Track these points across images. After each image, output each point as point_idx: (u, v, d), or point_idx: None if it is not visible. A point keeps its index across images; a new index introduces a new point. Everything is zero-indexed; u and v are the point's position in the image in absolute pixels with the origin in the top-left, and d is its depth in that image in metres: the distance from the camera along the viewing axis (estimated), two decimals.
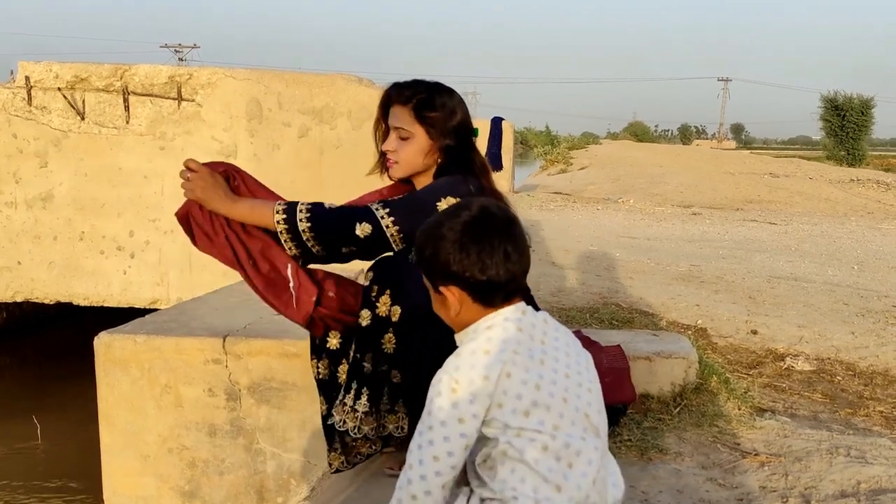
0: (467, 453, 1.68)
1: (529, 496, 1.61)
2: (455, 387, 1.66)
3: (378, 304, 2.47)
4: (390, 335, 2.45)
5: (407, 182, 2.70)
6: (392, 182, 2.75)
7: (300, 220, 2.44)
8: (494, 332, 1.72)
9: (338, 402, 2.59)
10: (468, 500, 1.71)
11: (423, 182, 2.64)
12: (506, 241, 1.73)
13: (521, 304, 1.78)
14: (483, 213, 1.76)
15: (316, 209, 2.46)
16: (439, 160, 2.60)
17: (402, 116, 2.57)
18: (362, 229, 2.42)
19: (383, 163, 2.71)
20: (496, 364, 1.66)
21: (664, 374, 3.48)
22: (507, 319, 1.74)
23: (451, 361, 1.72)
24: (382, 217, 2.43)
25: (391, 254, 2.63)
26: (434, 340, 2.30)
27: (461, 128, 2.61)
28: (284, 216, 2.46)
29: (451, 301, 1.77)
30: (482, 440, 1.70)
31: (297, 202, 2.49)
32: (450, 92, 2.64)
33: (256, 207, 2.52)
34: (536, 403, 1.65)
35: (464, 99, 2.69)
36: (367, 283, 2.53)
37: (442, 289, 1.77)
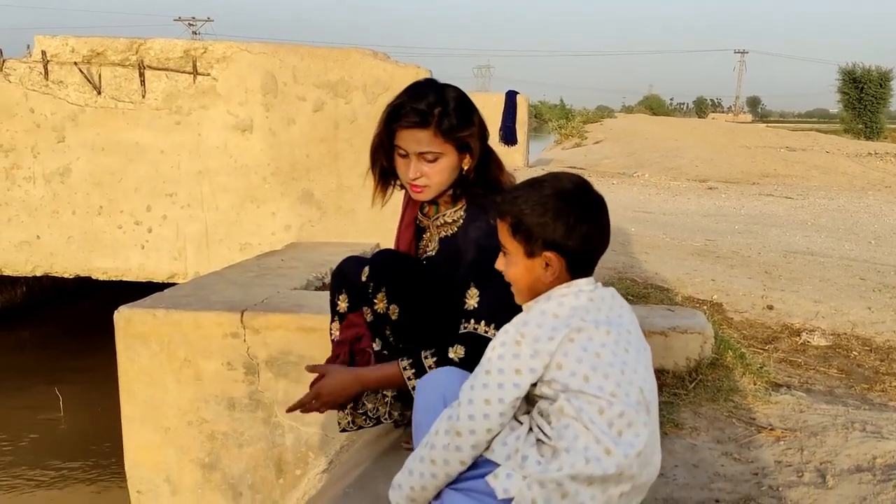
0: (517, 405, 1.75)
1: (580, 452, 1.66)
2: (520, 339, 1.74)
3: (375, 301, 2.49)
4: (389, 332, 2.49)
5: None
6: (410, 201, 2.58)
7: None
8: (567, 300, 1.80)
9: None
10: (526, 435, 1.75)
11: (443, 198, 2.49)
12: (605, 217, 1.86)
13: (592, 279, 1.87)
14: (586, 189, 1.88)
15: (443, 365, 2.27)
16: (465, 170, 2.40)
17: (425, 139, 2.33)
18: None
19: (383, 187, 2.55)
20: (563, 327, 1.74)
21: (680, 349, 3.49)
22: (581, 290, 1.82)
23: (520, 317, 1.80)
24: (493, 335, 2.16)
25: (389, 251, 2.64)
26: (432, 338, 2.33)
27: (483, 127, 2.41)
28: (413, 371, 2.32)
29: (553, 265, 1.82)
30: (540, 397, 1.76)
31: (420, 356, 2.31)
32: (453, 89, 2.40)
33: (382, 372, 2.40)
34: (595, 369, 1.71)
35: (465, 85, 2.45)
36: (364, 279, 2.53)
37: (546, 253, 1.82)
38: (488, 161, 2.44)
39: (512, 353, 1.73)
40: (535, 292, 1.85)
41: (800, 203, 10.64)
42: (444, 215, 2.52)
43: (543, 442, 1.72)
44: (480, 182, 2.42)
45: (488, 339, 2.21)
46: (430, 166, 2.36)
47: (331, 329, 2.75)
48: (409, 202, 2.62)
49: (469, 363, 2.19)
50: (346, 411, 2.60)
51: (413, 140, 2.34)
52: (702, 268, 5.75)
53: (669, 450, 2.78)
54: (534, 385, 1.74)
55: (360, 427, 2.65)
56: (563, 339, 1.72)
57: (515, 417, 1.79)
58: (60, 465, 6.17)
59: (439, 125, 2.31)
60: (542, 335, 1.73)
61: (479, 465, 1.78)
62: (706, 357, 3.50)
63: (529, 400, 1.79)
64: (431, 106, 2.32)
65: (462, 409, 1.74)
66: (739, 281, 5.40)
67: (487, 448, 1.76)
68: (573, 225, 1.79)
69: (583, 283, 1.83)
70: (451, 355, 2.28)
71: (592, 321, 1.77)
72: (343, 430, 2.68)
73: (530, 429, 1.76)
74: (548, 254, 1.82)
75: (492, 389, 1.72)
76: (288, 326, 3.87)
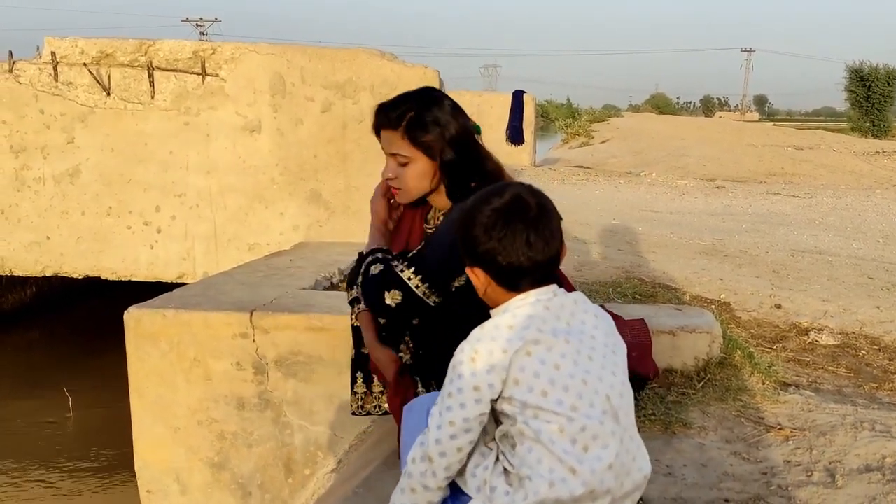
0: (484, 420, 1.74)
1: (544, 476, 1.65)
2: (475, 356, 1.72)
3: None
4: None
5: (422, 201, 2.56)
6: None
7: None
8: (521, 310, 1.77)
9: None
10: (494, 465, 1.75)
11: (438, 200, 2.52)
12: (530, 229, 1.77)
13: (553, 287, 1.83)
14: (514, 200, 1.81)
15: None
16: (447, 178, 2.44)
17: (395, 141, 2.40)
18: (392, 297, 2.33)
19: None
20: (517, 340, 1.71)
21: (688, 349, 3.49)
22: (537, 300, 1.79)
23: (475, 333, 1.78)
24: (410, 279, 2.31)
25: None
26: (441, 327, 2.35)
27: (460, 136, 2.41)
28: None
29: (476, 282, 1.84)
30: (502, 416, 1.75)
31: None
32: (439, 100, 2.45)
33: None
34: (554, 383, 1.69)
35: (457, 103, 2.48)
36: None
37: (468, 270, 1.85)
38: (468, 171, 2.43)
39: (469, 371, 1.72)
40: (491, 303, 1.85)
41: (807, 202, 10.61)
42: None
43: (509, 471, 1.71)
44: (461, 191, 2.41)
45: (404, 283, 2.31)
46: (401, 170, 2.42)
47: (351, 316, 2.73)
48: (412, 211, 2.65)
49: (370, 283, 2.40)
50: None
51: (386, 140, 2.43)
52: (709, 267, 5.74)
53: (678, 449, 2.79)
54: (496, 401, 1.73)
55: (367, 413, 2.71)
56: (519, 351, 1.70)
57: (486, 444, 1.79)
58: (70, 464, 6.19)
59: (407, 130, 2.37)
60: (496, 349, 1.71)
61: (460, 497, 1.79)
62: (714, 356, 3.50)
63: (498, 423, 1.79)
64: (405, 111, 2.38)
65: (430, 435, 1.75)
66: (747, 280, 5.39)
67: (461, 476, 1.77)
68: (488, 240, 1.77)
69: (539, 293, 1.80)
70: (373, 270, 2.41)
71: (550, 331, 1.74)
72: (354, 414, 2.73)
73: (497, 458, 1.76)
74: (469, 270, 1.84)
75: (455, 411, 1.72)
76: (297, 326, 3.88)
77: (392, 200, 2.62)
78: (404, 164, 2.41)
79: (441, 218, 2.56)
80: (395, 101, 2.42)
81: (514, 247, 1.76)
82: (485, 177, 2.42)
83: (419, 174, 2.42)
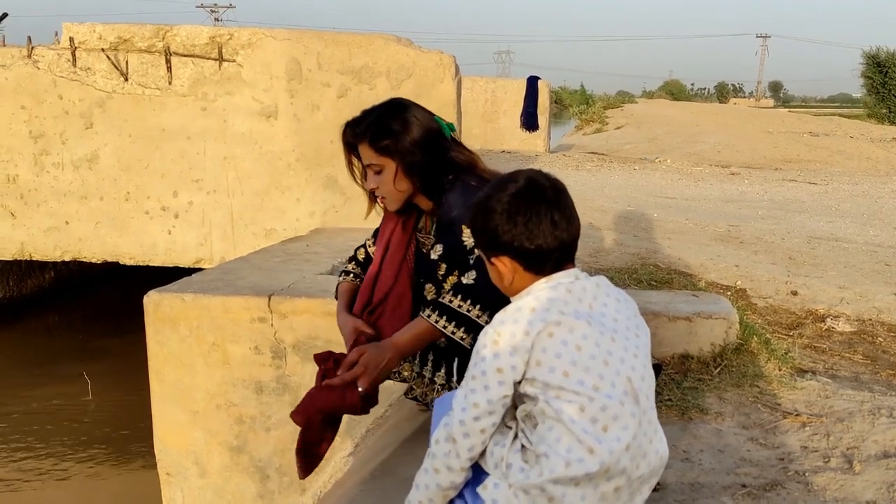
0: (507, 402, 1.77)
1: (561, 455, 1.67)
2: (497, 339, 1.75)
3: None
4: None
5: (408, 207, 2.67)
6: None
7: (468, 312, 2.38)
8: (543, 293, 1.79)
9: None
10: (512, 442, 1.78)
11: (421, 201, 2.64)
12: (553, 210, 1.80)
13: (575, 270, 1.85)
14: (529, 184, 1.84)
15: (465, 296, 2.39)
16: (417, 178, 2.55)
17: (366, 153, 2.55)
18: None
19: (374, 199, 2.69)
20: (538, 322, 1.73)
21: (704, 335, 3.50)
22: (559, 283, 1.81)
23: (498, 316, 1.81)
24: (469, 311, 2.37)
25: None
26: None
27: (424, 138, 2.53)
28: (445, 317, 2.39)
29: (503, 271, 1.85)
30: (525, 397, 1.77)
31: (443, 301, 2.40)
32: (401, 108, 2.57)
33: (412, 331, 2.44)
34: (576, 364, 1.71)
35: (423, 108, 2.60)
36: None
37: (494, 260, 1.86)
38: (437, 169, 2.55)
39: (492, 353, 1.74)
40: (513, 293, 1.87)
41: (823, 188, 10.55)
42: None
43: (527, 448, 1.74)
44: (435, 188, 2.57)
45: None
46: (379, 178, 2.57)
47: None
48: (395, 222, 2.76)
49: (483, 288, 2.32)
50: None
51: (362, 154, 2.58)
52: (725, 253, 5.74)
53: (695, 434, 2.80)
54: (519, 383, 1.75)
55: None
56: (541, 333, 1.72)
57: (505, 423, 1.81)
58: (89, 447, 6.26)
59: (371, 140, 2.52)
60: (518, 331, 1.74)
61: (481, 475, 1.81)
62: (731, 342, 3.51)
63: (517, 406, 1.81)
64: (369, 124, 2.53)
65: (454, 416, 1.78)
66: (763, 267, 5.38)
67: (482, 456, 1.80)
68: (513, 226, 1.79)
69: (561, 276, 1.82)
70: (464, 280, 2.41)
71: (572, 313, 1.76)
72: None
73: (515, 435, 1.78)
74: (495, 259, 1.85)
75: (479, 393, 1.75)
76: (314, 311, 3.91)
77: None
78: (379, 173, 2.55)
79: (432, 221, 2.66)
80: (359, 117, 2.57)
81: (541, 228, 1.79)
82: (458, 170, 2.55)
83: (393, 179, 2.55)
